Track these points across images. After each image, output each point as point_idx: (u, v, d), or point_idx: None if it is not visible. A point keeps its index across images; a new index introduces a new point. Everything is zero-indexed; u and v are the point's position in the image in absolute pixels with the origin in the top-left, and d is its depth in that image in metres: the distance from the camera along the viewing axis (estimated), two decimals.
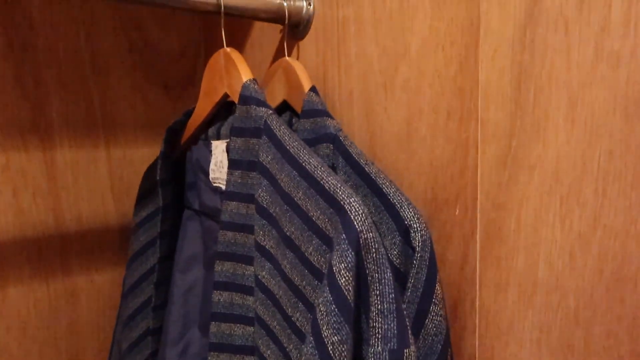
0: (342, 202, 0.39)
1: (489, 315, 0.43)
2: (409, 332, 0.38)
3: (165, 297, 0.61)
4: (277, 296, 0.45)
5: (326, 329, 0.36)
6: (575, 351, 0.38)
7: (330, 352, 0.36)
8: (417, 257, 0.42)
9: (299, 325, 0.43)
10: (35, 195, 0.65)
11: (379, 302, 0.37)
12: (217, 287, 0.50)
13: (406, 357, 0.37)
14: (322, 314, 0.37)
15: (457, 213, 0.45)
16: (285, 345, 0.44)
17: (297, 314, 0.43)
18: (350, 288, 0.37)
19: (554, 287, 0.39)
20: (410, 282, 0.42)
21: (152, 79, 0.75)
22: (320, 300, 0.37)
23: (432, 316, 0.42)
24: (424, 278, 0.42)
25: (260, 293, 0.47)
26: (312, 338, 0.37)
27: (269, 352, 0.46)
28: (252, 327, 0.49)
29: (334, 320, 0.36)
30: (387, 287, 0.38)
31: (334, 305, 0.37)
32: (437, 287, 0.42)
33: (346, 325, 0.36)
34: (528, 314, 0.41)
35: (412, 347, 0.38)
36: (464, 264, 0.45)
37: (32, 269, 0.66)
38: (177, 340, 0.59)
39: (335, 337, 0.36)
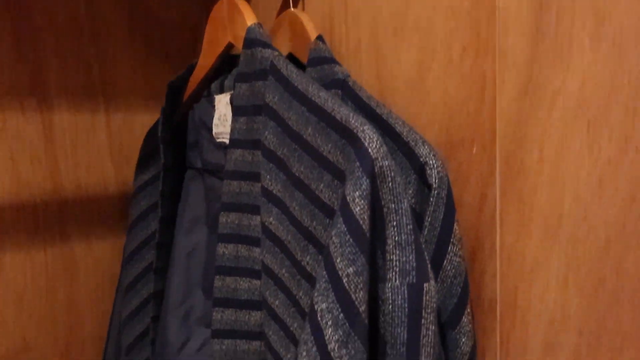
0: (355, 130, 0.36)
1: (511, 256, 0.41)
2: (429, 266, 0.36)
3: (167, 259, 0.59)
4: (285, 242, 0.42)
5: (340, 260, 0.34)
6: (606, 285, 0.36)
7: (346, 284, 0.34)
8: (434, 194, 0.39)
9: (309, 269, 0.40)
10: (33, 160, 0.63)
11: (395, 234, 0.35)
12: (222, 240, 0.48)
13: (426, 292, 0.35)
14: (336, 246, 0.34)
15: (474, 152, 0.42)
16: (295, 292, 0.42)
17: (307, 257, 0.40)
18: (365, 217, 0.34)
19: (581, 219, 0.37)
20: (427, 221, 0.40)
21: (152, 48, 0.73)
22: (333, 232, 0.35)
23: (451, 257, 0.39)
24: (441, 217, 0.40)
25: (268, 241, 0.44)
26: (324, 272, 0.35)
27: (277, 302, 0.43)
28: (258, 281, 0.46)
29: (348, 251, 0.34)
30: (404, 217, 0.35)
31: (348, 236, 0.34)
32: (455, 226, 0.40)
33: (362, 256, 0.34)
34: (554, 250, 0.38)
35: (432, 282, 0.35)
36: (483, 205, 0.42)
37: (29, 237, 0.64)
38: (179, 304, 0.56)
39: (351, 269, 0.34)
